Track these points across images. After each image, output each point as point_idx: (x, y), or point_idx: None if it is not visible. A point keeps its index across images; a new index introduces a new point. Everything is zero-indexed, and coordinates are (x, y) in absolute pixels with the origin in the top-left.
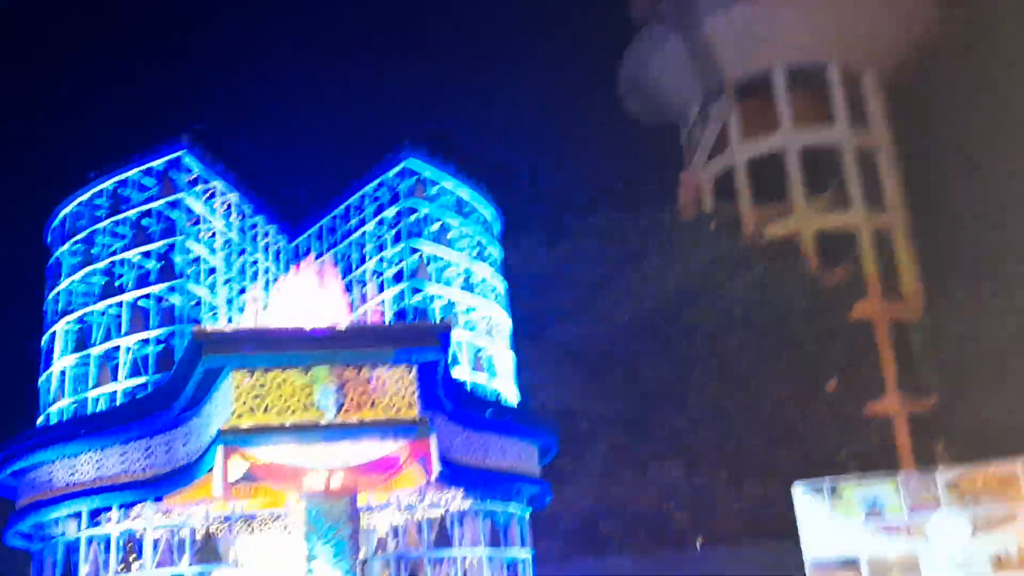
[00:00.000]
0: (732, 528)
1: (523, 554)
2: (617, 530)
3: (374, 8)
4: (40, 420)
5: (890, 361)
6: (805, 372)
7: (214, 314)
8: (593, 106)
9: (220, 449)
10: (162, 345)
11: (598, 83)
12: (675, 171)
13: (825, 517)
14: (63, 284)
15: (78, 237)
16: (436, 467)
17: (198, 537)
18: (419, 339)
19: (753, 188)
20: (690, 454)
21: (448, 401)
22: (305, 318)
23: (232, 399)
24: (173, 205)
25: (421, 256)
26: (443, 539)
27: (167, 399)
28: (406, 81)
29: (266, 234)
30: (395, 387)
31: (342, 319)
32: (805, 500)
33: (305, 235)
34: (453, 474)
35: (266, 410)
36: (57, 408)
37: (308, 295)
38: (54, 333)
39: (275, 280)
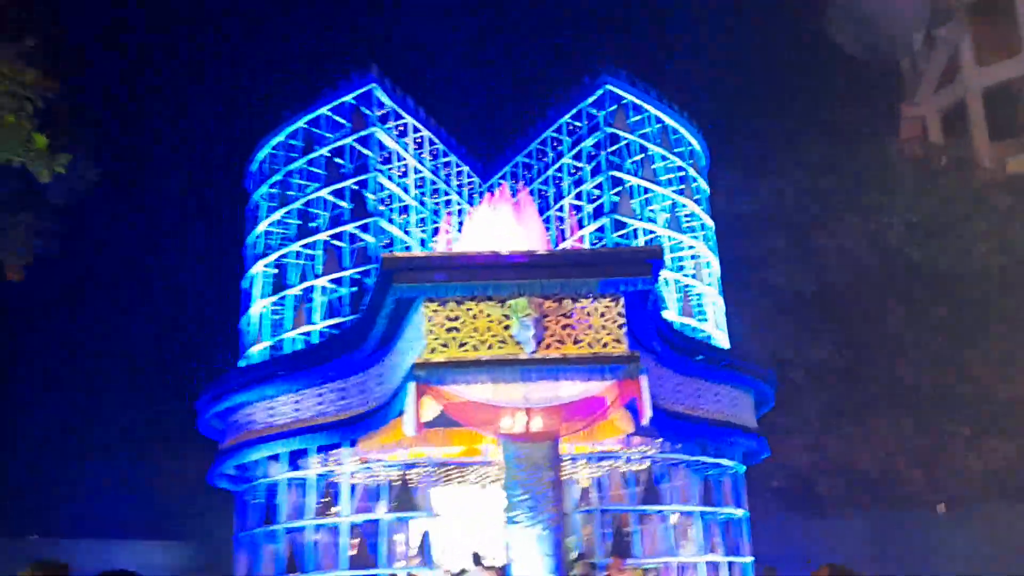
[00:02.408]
0: (972, 488)
1: (738, 513)
2: (838, 489)
3: None
4: (242, 363)
5: None
6: None
7: None
8: (799, 36)
9: (412, 386)
10: (356, 287)
11: (805, 11)
12: (893, 105)
13: None
14: (261, 227)
15: (274, 179)
16: (647, 411)
17: (394, 485)
18: (628, 266)
19: (989, 121)
20: (920, 408)
21: (657, 340)
22: (500, 245)
23: (424, 333)
24: (364, 141)
25: (623, 189)
26: (651, 494)
27: (360, 337)
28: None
29: (459, 173)
30: (600, 321)
31: (540, 247)
32: None
33: (499, 174)
34: (663, 422)
35: (460, 345)
36: (257, 350)
37: (503, 225)
38: (253, 276)
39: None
